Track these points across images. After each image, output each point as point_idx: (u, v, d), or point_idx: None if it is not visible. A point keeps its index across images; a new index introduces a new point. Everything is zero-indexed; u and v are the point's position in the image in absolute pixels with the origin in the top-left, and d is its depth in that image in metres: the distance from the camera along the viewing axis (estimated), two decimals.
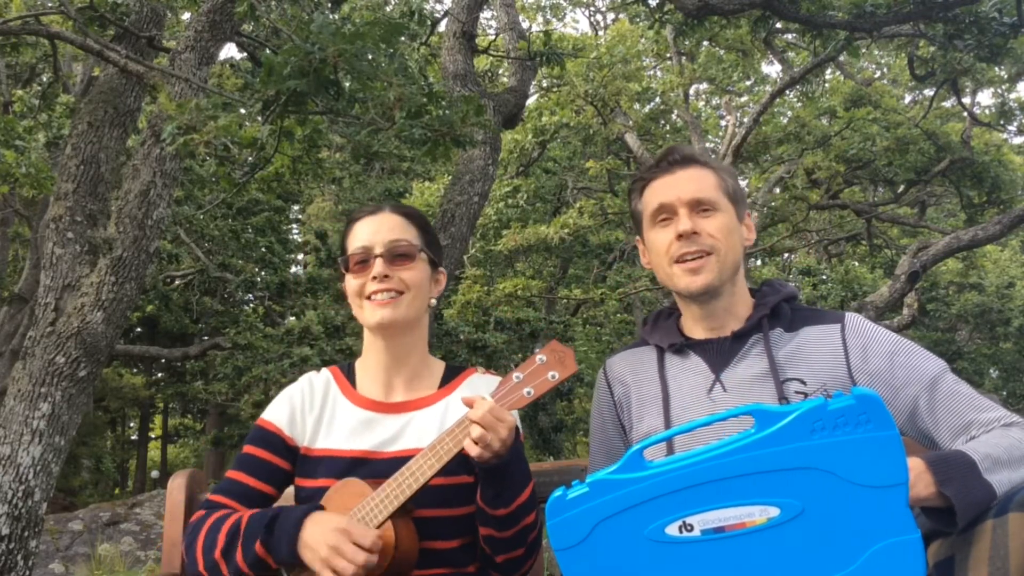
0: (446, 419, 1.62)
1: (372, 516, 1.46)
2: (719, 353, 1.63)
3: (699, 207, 1.63)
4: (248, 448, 1.66)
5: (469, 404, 1.46)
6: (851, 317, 1.63)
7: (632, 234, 14.22)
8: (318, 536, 1.43)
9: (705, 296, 1.63)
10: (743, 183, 15.71)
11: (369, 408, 1.67)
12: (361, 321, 1.68)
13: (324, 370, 1.77)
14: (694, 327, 1.69)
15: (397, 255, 1.66)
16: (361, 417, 1.65)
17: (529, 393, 1.46)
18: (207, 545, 1.52)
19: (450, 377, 1.72)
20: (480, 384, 1.69)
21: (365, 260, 1.66)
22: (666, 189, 1.65)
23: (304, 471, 1.62)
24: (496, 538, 1.52)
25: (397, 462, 1.52)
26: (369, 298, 1.64)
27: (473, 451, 1.41)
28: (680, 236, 1.61)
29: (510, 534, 1.51)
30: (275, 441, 1.65)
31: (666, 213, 1.65)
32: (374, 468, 1.55)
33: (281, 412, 1.68)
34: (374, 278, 1.63)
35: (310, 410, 1.68)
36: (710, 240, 1.61)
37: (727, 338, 1.63)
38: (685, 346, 1.66)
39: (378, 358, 1.70)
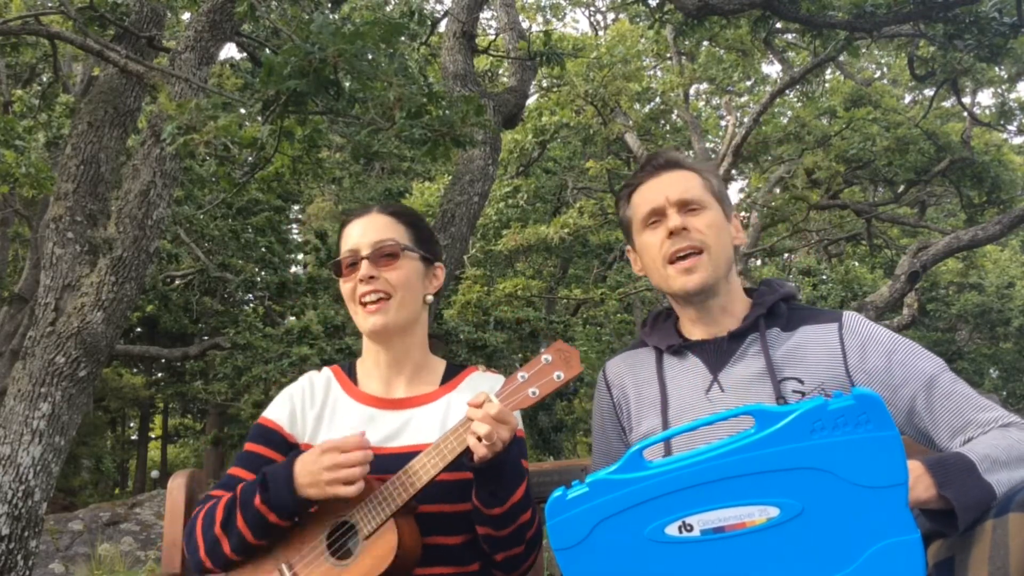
0: (448, 416, 1.63)
1: (376, 513, 1.46)
2: (716, 353, 1.63)
3: (687, 207, 1.64)
4: (249, 445, 1.66)
5: (476, 405, 1.45)
6: (849, 316, 1.63)
7: None
8: (311, 468, 1.46)
9: (701, 295, 1.64)
10: (743, 183, 15.73)
11: (371, 404, 1.67)
12: (358, 327, 1.69)
13: (325, 369, 1.77)
14: (691, 328, 1.70)
15: (383, 255, 1.66)
16: (363, 413, 1.66)
17: (534, 393, 1.46)
18: (206, 525, 1.53)
19: (451, 375, 1.73)
20: (481, 382, 1.69)
21: (354, 263, 1.67)
22: (653, 192, 1.67)
23: (296, 452, 1.62)
24: (494, 537, 1.52)
25: (400, 457, 1.52)
26: (362, 304, 1.64)
27: (479, 451, 1.42)
28: (671, 233, 1.62)
29: (507, 532, 1.51)
30: (275, 438, 1.65)
31: (655, 216, 1.66)
32: (377, 463, 1.55)
33: (282, 410, 1.69)
34: (361, 280, 1.64)
35: (311, 407, 1.68)
36: (700, 236, 1.62)
37: (724, 338, 1.63)
38: (683, 347, 1.67)
39: (377, 359, 1.71)
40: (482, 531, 1.53)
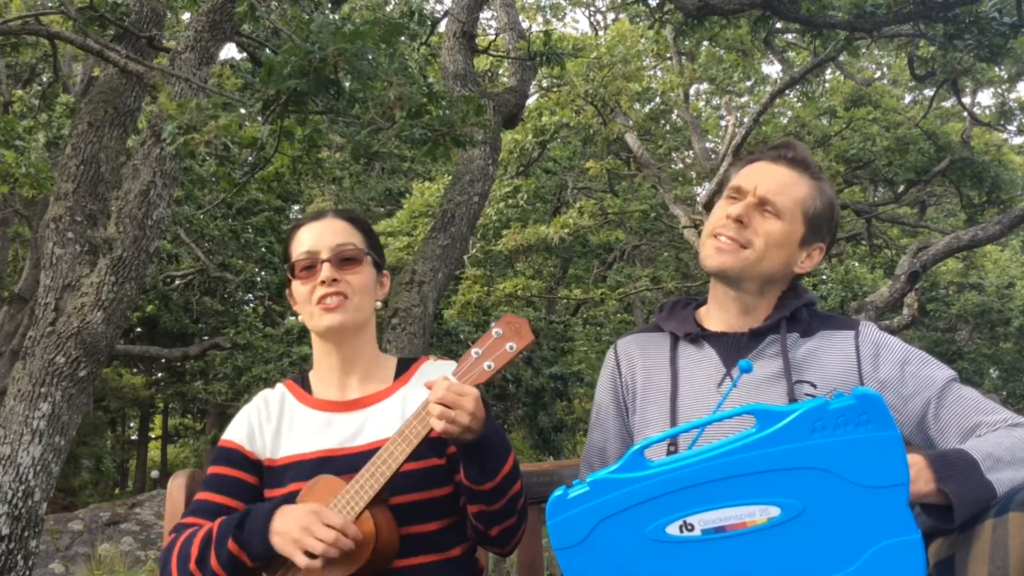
0: (405, 409, 1.63)
1: (349, 508, 1.47)
2: (734, 348, 1.62)
3: (765, 205, 1.60)
4: (212, 468, 1.66)
5: (430, 387, 1.47)
6: (865, 325, 1.63)
7: (632, 234, 14.24)
8: (289, 522, 1.44)
9: (721, 279, 1.63)
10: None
11: (326, 409, 1.68)
12: (311, 327, 1.70)
13: (279, 384, 1.79)
14: (711, 318, 1.69)
15: (344, 259, 1.67)
16: (320, 419, 1.66)
17: (490, 367, 1.47)
18: (181, 559, 1.52)
19: (403, 369, 1.74)
20: (434, 370, 1.70)
21: (311, 265, 1.67)
22: (754, 175, 1.64)
23: (272, 481, 1.63)
24: (487, 512, 1.53)
25: (364, 455, 1.53)
26: (319, 303, 1.65)
27: (438, 427, 1.42)
28: (728, 216, 1.60)
29: (500, 505, 1.52)
30: (236, 457, 1.65)
31: (737, 193, 1.64)
32: (341, 464, 1.56)
33: (240, 429, 1.69)
34: (322, 282, 1.64)
35: (268, 423, 1.69)
36: (750, 235, 1.59)
37: (744, 334, 1.63)
38: (700, 336, 1.66)
39: (330, 362, 1.71)
40: (475, 509, 1.54)
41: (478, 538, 1.61)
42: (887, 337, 1.61)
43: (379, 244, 1.79)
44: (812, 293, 1.71)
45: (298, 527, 1.42)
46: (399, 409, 1.65)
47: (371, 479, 1.46)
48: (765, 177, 1.63)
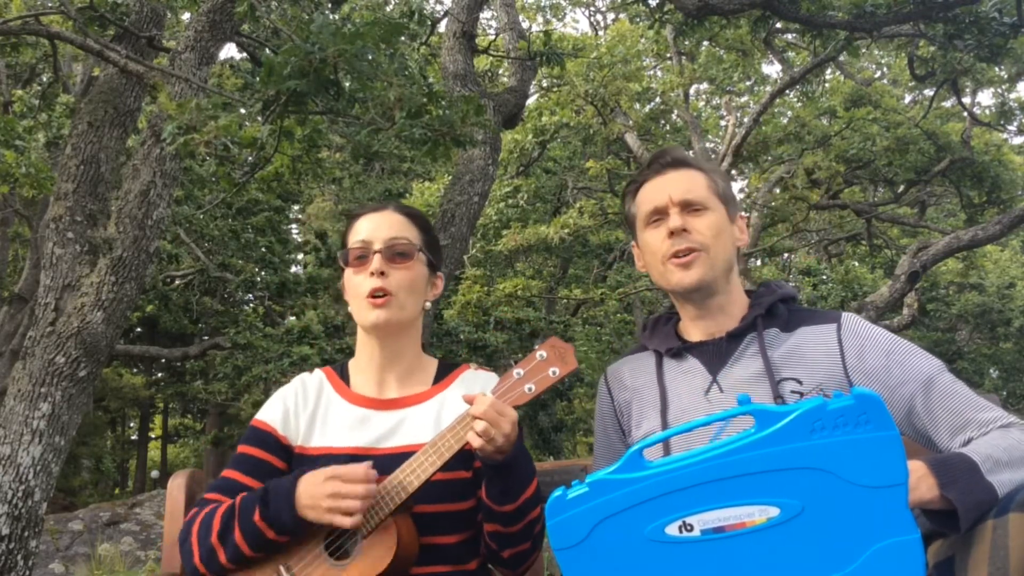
0: (441, 415, 1.63)
1: (374, 512, 1.47)
2: (715, 354, 1.63)
3: (689, 207, 1.65)
4: (242, 448, 1.66)
5: (470, 401, 1.46)
6: (847, 317, 1.63)
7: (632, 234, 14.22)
8: (313, 490, 1.45)
9: (698, 293, 1.65)
10: (743, 183, 15.72)
11: (363, 405, 1.67)
12: (356, 319, 1.68)
13: (317, 370, 1.77)
14: (691, 329, 1.70)
15: (396, 253, 1.65)
16: (356, 414, 1.65)
17: (530, 389, 1.47)
18: (202, 533, 1.52)
19: (444, 374, 1.72)
20: (475, 380, 1.69)
21: (364, 256, 1.66)
22: (657, 191, 1.68)
23: (301, 470, 1.62)
24: (503, 534, 1.52)
25: (395, 458, 1.52)
26: (368, 296, 1.63)
27: (476, 443, 1.42)
28: (671, 233, 1.63)
29: (517, 529, 1.52)
30: (269, 440, 1.65)
31: (658, 214, 1.67)
32: (372, 464, 1.56)
33: (275, 412, 1.68)
34: (371, 274, 1.63)
35: (304, 409, 1.68)
36: (699, 237, 1.63)
37: (723, 339, 1.64)
38: (682, 349, 1.67)
39: (371, 356, 1.70)
40: (490, 528, 1.53)
41: (490, 557, 1.60)
42: (870, 328, 1.61)
43: (436, 243, 1.77)
44: (790, 287, 1.71)
45: (326, 495, 1.43)
46: (435, 413, 1.64)
47: (399, 487, 1.46)
48: (668, 186, 1.67)
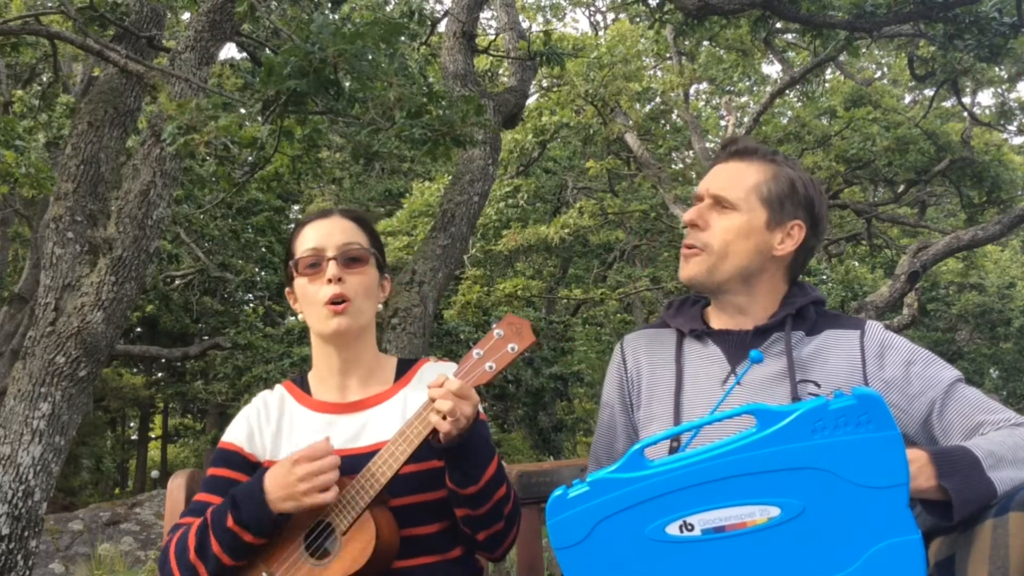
0: (405, 411, 1.63)
1: (350, 508, 1.47)
2: (738, 345, 1.62)
3: (719, 203, 1.62)
4: (212, 470, 1.66)
5: (436, 386, 1.46)
6: (871, 325, 1.62)
7: (632, 234, 14.24)
8: (283, 481, 1.45)
9: (695, 289, 1.65)
10: None
11: (326, 411, 1.67)
12: (314, 329, 1.68)
13: (277, 386, 1.77)
14: (714, 316, 1.69)
15: (350, 258, 1.65)
16: (320, 421, 1.66)
17: (491, 368, 1.47)
18: (180, 554, 1.52)
19: (403, 371, 1.73)
20: (435, 371, 1.68)
21: (316, 263, 1.65)
22: (708, 178, 1.66)
23: (262, 470, 1.62)
24: (472, 516, 1.52)
25: (364, 457, 1.52)
26: (327, 304, 1.63)
27: (444, 428, 1.42)
28: (684, 223, 1.65)
29: (485, 510, 1.52)
30: (235, 459, 1.65)
31: (696, 200, 1.67)
32: (343, 465, 1.55)
33: (240, 431, 1.68)
34: (329, 281, 1.62)
35: (267, 424, 1.68)
36: (707, 237, 1.61)
37: (748, 332, 1.62)
38: (705, 333, 1.66)
39: (330, 364, 1.70)
40: (461, 513, 1.54)
41: (467, 543, 1.60)
42: (893, 336, 1.60)
43: (382, 246, 1.78)
44: (819, 291, 1.69)
45: (296, 480, 1.44)
46: (400, 410, 1.64)
47: (372, 479, 1.46)
48: (715, 176, 1.65)
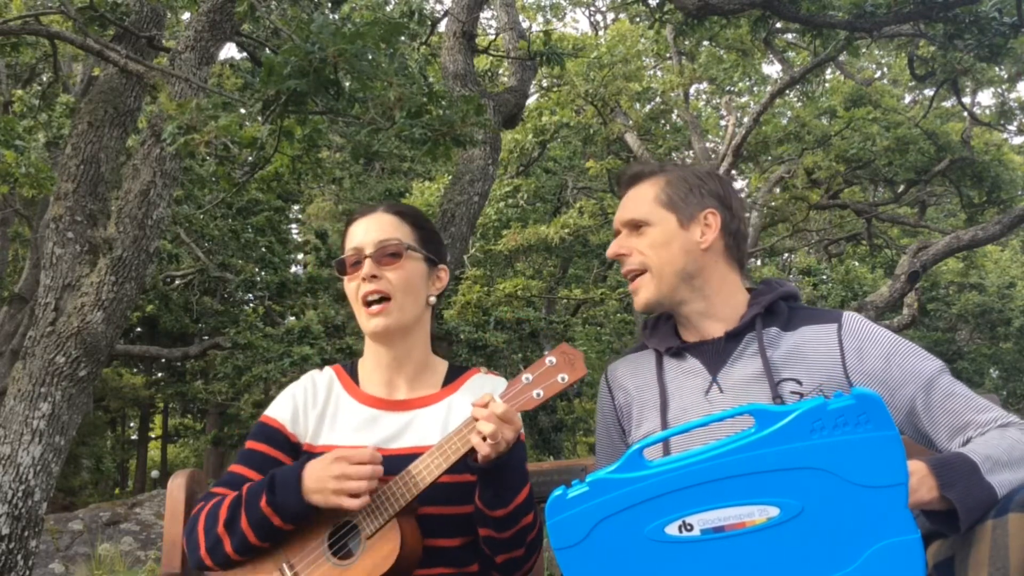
0: (449, 418, 1.63)
1: (379, 513, 1.47)
2: (715, 354, 1.62)
3: (634, 227, 1.67)
4: (250, 443, 1.66)
5: (481, 405, 1.46)
6: (848, 316, 1.62)
7: None
8: (319, 474, 1.46)
9: (656, 311, 1.69)
10: (743, 183, 15.72)
11: (372, 405, 1.67)
12: (360, 326, 1.68)
13: (327, 368, 1.77)
14: (685, 331, 1.70)
15: (386, 255, 1.65)
16: (365, 414, 1.65)
17: (539, 395, 1.47)
18: (208, 523, 1.53)
19: (453, 377, 1.72)
20: (484, 384, 1.69)
21: (357, 262, 1.66)
22: (617, 213, 1.73)
23: (307, 456, 1.62)
24: (495, 539, 1.52)
25: (402, 459, 1.52)
26: (365, 304, 1.64)
27: (483, 450, 1.42)
28: (610, 256, 1.71)
29: (509, 535, 1.51)
30: (277, 437, 1.65)
31: (615, 236, 1.72)
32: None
33: (284, 409, 1.68)
34: (364, 279, 1.63)
35: (313, 407, 1.68)
36: (639, 258, 1.65)
37: (721, 339, 1.62)
38: (681, 349, 1.66)
39: (379, 359, 1.70)
40: (484, 533, 1.53)
41: (484, 562, 1.60)
42: (871, 328, 1.59)
43: (434, 237, 1.76)
44: (790, 285, 1.69)
45: (332, 477, 1.44)
46: (443, 416, 1.64)
47: (404, 488, 1.46)
48: (621, 208, 1.71)
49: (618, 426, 1.74)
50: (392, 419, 1.64)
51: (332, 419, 1.66)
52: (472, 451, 1.46)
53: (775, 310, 1.63)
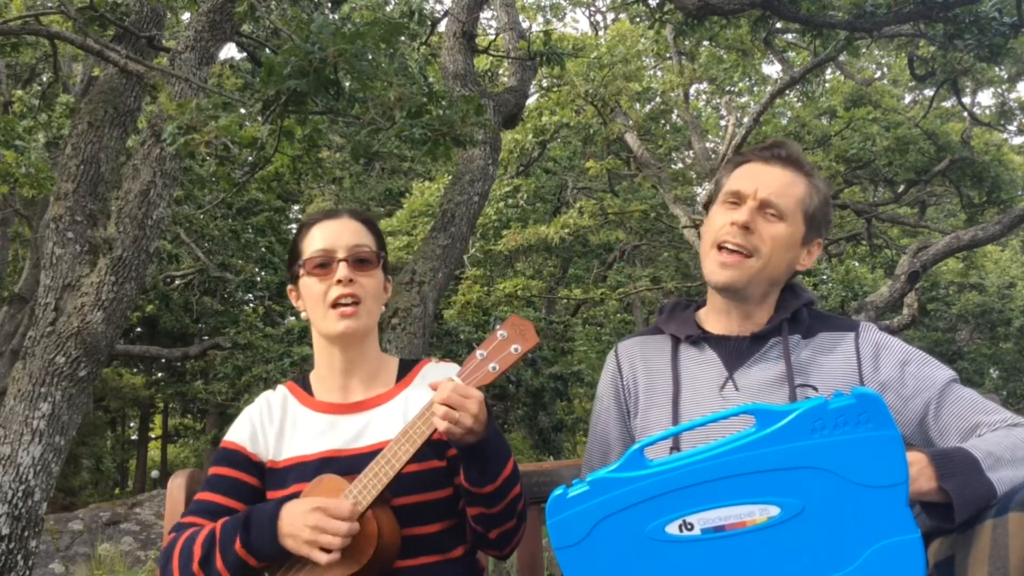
0: (407, 411, 1.63)
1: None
2: (735, 351, 1.61)
3: (768, 208, 1.59)
4: (214, 469, 1.66)
5: (435, 388, 1.47)
6: (865, 326, 1.63)
7: (631, 234, 14.24)
8: (296, 520, 1.44)
9: (727, 292, 1.62)
10: None
11: (329, 411, 1.67)
12: (320, 330, 1.67)
13: (279, 386, 1.78)
14: (713, 319, 1.68)
15: (360, 260, 1.65)
16: (323, 421, 1.66)
17: (494, 368, 1.48)
18: (183, 561, 1.51)
19: (405, 371, 1.73)
20: (436, 372, 1.69)
21: (326, 264, 1.65)
22: (752, 177, 1.62)
23: (274, 483, 1.62)
24: (487, 515, 1.53)
25: (367, 456, 1.52)
26: (334, 306, 1.63)
27: (441, 427, 1.42)
28: (733, 223, 1.58)
29: (500, 508, 1.52)
30: (238, 458, 1.65)
31: (736, 198, 1.61)
32: (344, 464, 1.56)
33: (243, 430, 1.68)
34: (339, 282, 1.62)
35: (270, 424, 1.68)
36: (757, 242, 1.57)
37: (745, 337, 1.62)
38: (701, 339, 1.65)
39: (332, 364, 1.70)
40: (474, 511, 1.54)
41: (476, 541, 1.61)
42: (887, 338, 1.60)
43: (386, 249, 1.78)
44: (810, 292, 1.70)
45: (308, 527, 1.42)
46: (401, 411, 1.64)
47: (374, 478, 1.46)
48: (764, 179, 1.60)
49: (620, 404, 1.71)
50: (350, 422, 1.65)
51: (291, 432, 1.66)
52: (446, 441, 1.46)
53: (798, 317, 1.63)
